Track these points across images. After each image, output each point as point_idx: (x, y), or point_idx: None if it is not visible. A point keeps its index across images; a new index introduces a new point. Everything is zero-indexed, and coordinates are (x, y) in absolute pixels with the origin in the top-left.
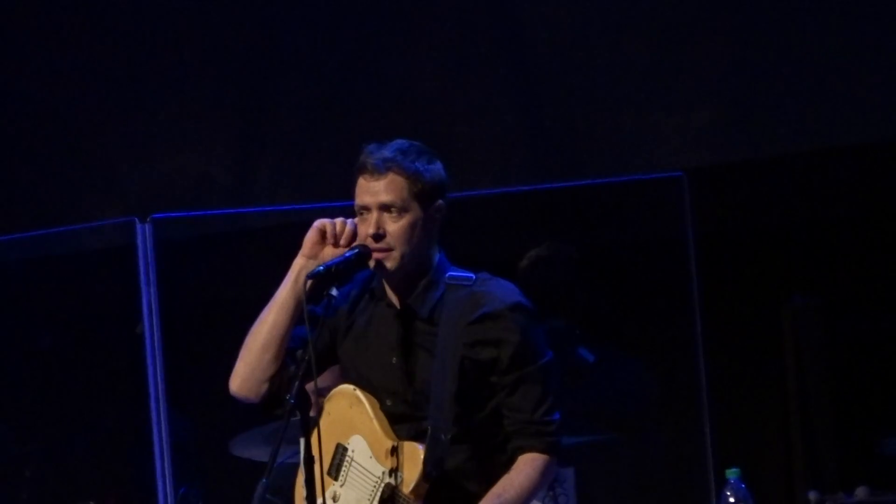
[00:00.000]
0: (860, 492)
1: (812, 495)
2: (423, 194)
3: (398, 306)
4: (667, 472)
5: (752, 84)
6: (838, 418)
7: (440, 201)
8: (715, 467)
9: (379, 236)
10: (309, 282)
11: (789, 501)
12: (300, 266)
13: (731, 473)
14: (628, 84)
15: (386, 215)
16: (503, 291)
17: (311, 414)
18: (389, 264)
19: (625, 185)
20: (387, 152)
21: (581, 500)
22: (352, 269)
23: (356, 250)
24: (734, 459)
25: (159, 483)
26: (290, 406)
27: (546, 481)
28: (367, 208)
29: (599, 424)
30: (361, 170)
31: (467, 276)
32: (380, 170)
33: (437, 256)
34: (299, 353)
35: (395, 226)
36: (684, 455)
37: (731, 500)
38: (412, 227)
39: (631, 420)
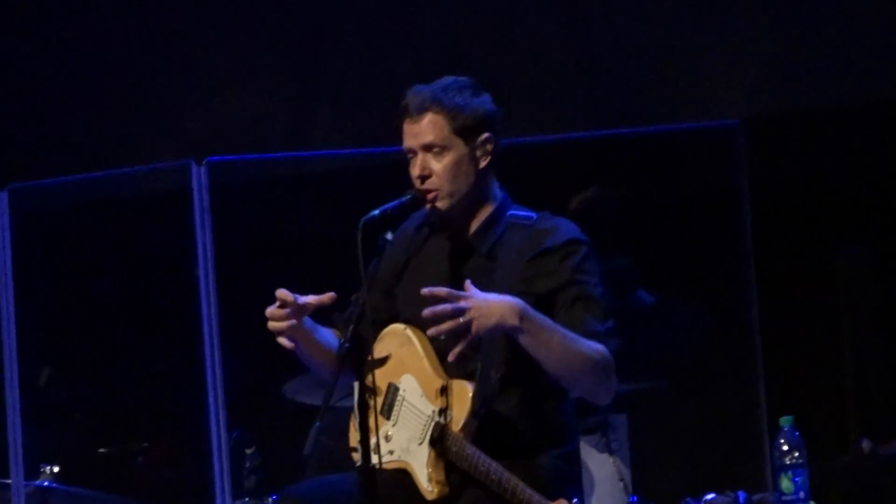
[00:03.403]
0: None
1: (864, 443)
2: (464, 129)
3: (458, 241)
4: (720, 420)
5: (811, 32)
6: (892, 367)
7: (486, 134)
8: (768, 415)
9: (424, 177)
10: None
11: (842, 450)
12: None
13: (785, 421)
14: (685, 31)
15: (430, 156)
16: (563, 228)
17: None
18: (440, 204)
19: (680, 134)
20: (426, 92)
21: (634, 447)
22: (406, 213)
23: (410, 195)
24: (788, 408)
25: (212, 427)
26: (345, 350)
27: (597, 366)
28: (412, 151)
29: (654, 370)
30: (403, 113)
31: (528, 216)
32: (419, 111)
33: (499, 193)
34: (354, 296)
35: (439, 165)
36: (738, 403)
37: (785, 448)
38: (457, 164)
39: (686, 367)
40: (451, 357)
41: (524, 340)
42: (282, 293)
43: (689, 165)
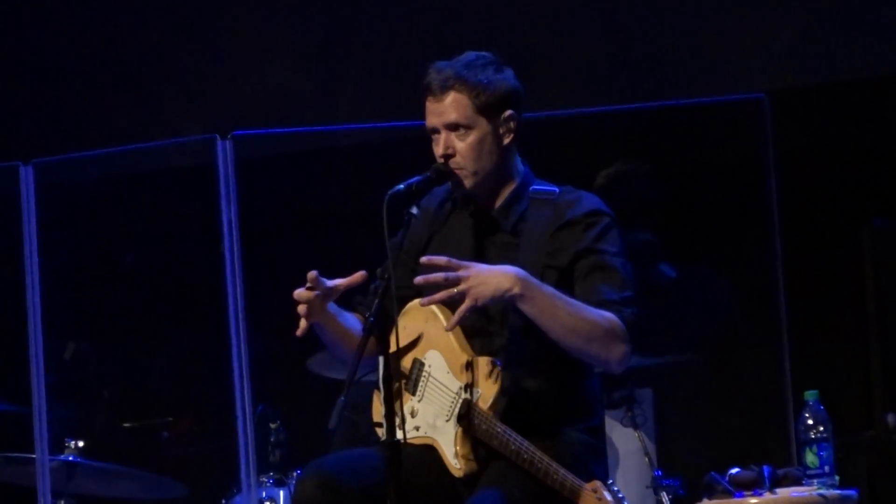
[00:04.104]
0: None
1: (890, 418)
2: (487, 107)
3: (482, 217)
4: (745, 394)
5: (836, 5)
6: None
7: (509, 111)
8: (794, 389)
9: (448, 156)
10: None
11: (868, 424)
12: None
13: (810, 395)
14: (711, 5)
15: (454, 135)
16: (586, 200)
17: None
18: (466, 182)
19: (706, 107)
20: (448, 70)
21: (659, 420)
22: (431, 187)
23: (434, 170)
24: (813, 381)
25: (237, 400)
26: (369, 325)
27: (605, 333)
28: (435, 130)
29: (679, 344)
30: (426, 92)
31: (551, 190)
32: (441, 89)
33: (521, 168)
34: (379, 270)
35: (463, 144)
36: (763, 377)
37: (810, 422)
38: (481, 142)
39: (710, 341)
40: (448, 326)
41: (527, 309)
42: (312, 275)
43: (715, 138)
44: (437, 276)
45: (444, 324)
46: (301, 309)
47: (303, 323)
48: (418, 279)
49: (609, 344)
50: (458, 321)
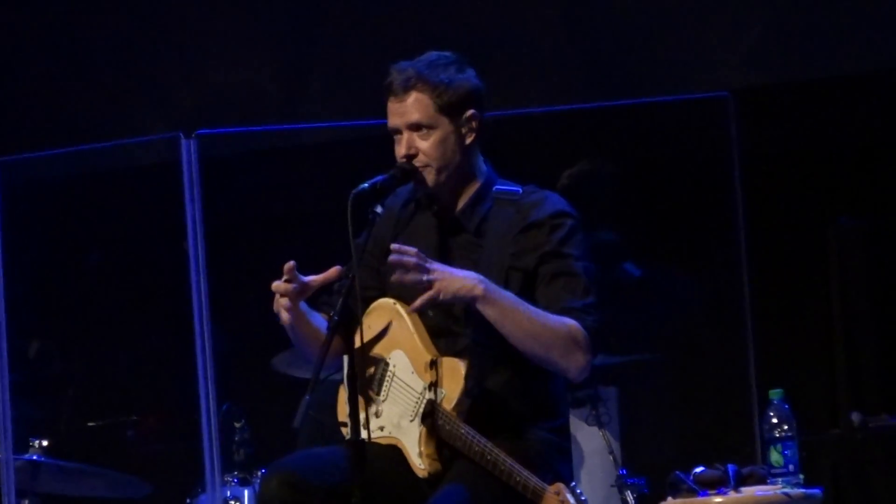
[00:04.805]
0: None
1: (855, 417)
2: (449, 107)
3: (445, 218)
4: (710, 392)
5: (800, 4)
6: (882, 340)
7: (471, 111)
8: (758, 388)
9: (411, 156)
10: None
11: (832, 423)
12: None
13: (775, 394)
14: (676, 2)
15: (416, 135)
16: (550, 201)
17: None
18: (429, 182)
19: (671, 105)
20: (410, 70)
21: (624, 419)
22: (395, 186)
23: (399, 168)
24: (778, 380)
25: (202, 399)
26: (334, 324)
27: (567, 345)
28: (397, 130)
29: (644, 343)
30: (387, 92)
31: (514, 190)
32: (403, 89)
33: (484, 168)
34: (343, 269)
35: (425, 144)
36: (728, 375)
37: (774, 420)
38: (443, 142)
39: (675, 339)
40: (412, 307)
41: (488, 311)
42: (289, 266)
43: (679, 137)
44: (410, 259)
45: (409, 324)
46: (283, 301)
47: (284, 314)
48: (393, 259)
49: (569, 352)
50: (422, 305)
